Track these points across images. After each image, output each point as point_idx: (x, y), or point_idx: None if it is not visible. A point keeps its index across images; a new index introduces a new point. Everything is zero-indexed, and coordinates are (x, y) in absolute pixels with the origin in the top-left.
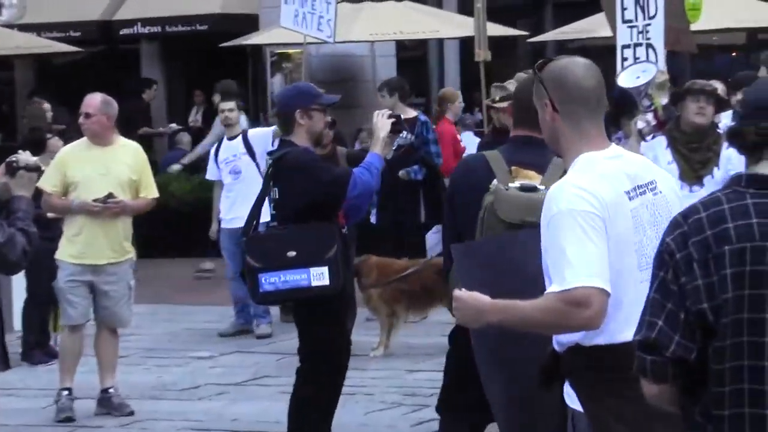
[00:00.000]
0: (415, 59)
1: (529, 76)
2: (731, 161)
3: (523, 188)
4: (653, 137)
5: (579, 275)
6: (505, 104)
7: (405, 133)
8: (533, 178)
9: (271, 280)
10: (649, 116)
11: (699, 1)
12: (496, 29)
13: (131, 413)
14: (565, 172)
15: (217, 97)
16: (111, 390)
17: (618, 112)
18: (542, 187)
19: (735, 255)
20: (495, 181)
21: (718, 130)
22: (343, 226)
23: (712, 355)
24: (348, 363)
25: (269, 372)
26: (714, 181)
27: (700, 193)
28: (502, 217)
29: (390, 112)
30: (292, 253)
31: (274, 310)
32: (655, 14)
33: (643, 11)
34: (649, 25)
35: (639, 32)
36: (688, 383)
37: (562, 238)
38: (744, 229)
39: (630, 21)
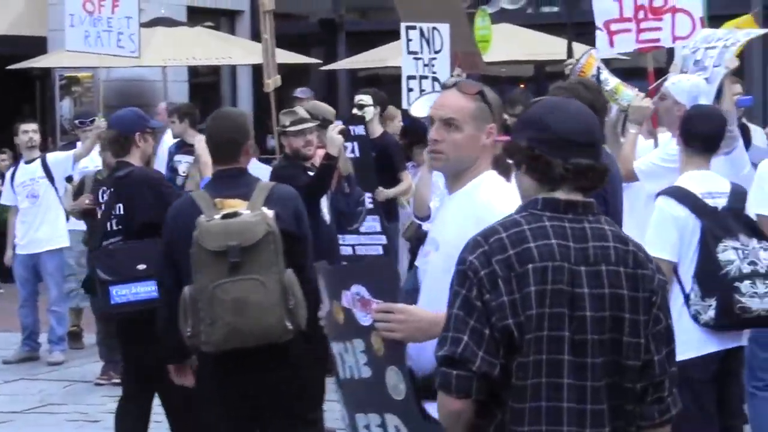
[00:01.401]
0: (207, 85)
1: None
2: None
3: (225, 216)
4: None
5: None
6: (295, 128)
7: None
8: (238, 206)
9: (121, 293)
10: None
11: (488, 33)
12: (288, 57)
13: None
14: (270, 193)
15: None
16: None
17: (410, 142)
18: (246, 212)
19: (538, 273)
20: (201, 217)
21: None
22: None
23: (515, 371)
24: None
25: (55, 400)
26: None
27: None
28: (207, 246)
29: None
30: (141, 266)
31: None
32: (441, 49)
33: (429, 45)
34: (434, 59)
35: (425, 65)
36: (487, 400)
37: None
38: (545, 249)
39: (415, 53)
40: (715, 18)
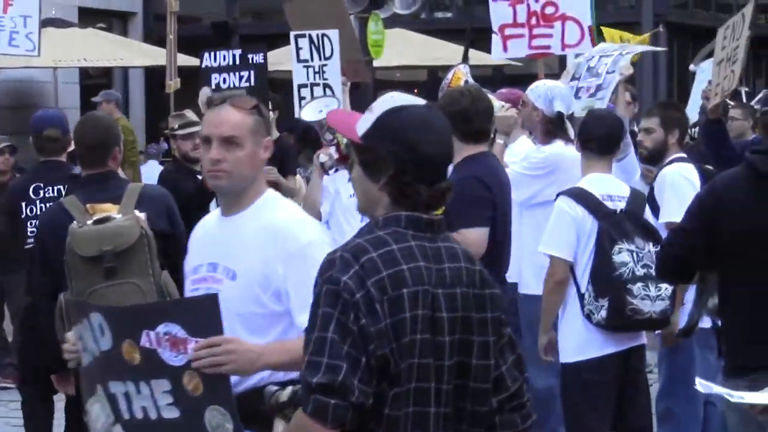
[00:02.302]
0: (99, 87)
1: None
2: None
3: (97, 221)
4: (336, 171)
5: None
6: (183, 131)
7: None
8: (110, 210)
9: None
10: (332, 150)
11: (381, 38)
12: (183, 59)
13: None
14: (141, 195)
15: None
16: None
17: (304, 146)
18: (118, 216)
19: (411, 298)
20: (74, 223)
21: None
22: None
23: (391, 401)
24: None
25: None
26: None
27: None
28: (80, 253)
29: None
30: None
31: None
32: (331, 55)
33: (319, 52)
34: (325, 65)
35: (315, 72)
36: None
37: None
38: (416, 272)
39: (306, 61)
40: (604, 26)
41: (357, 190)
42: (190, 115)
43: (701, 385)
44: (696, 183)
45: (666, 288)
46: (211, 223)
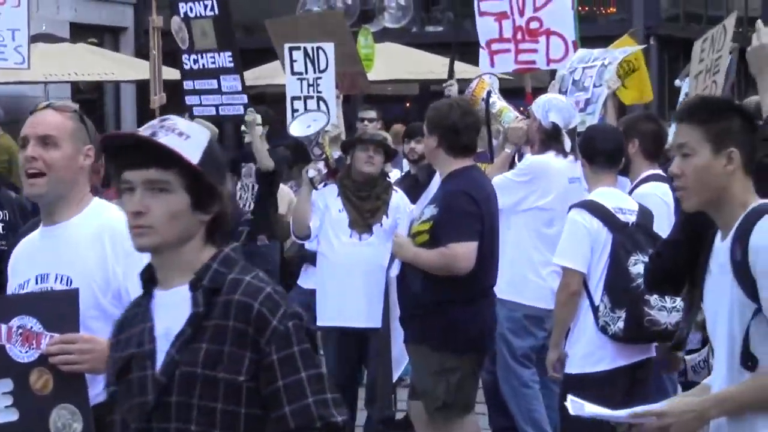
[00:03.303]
0: (90, 102)
1: None
2: (399, 210)
3: None
4: (325, 185)
5: None
6: None
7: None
8: None
9: None
10: (321, 165)
11: (371, 52)
12: (172, 73)
13: None
14: None
15: None
16: None
17: (296, 160)
18: None
19: None
20: None
21: (388, 179)
22: None
23: None
24: None
25: None
26: (383, 230)
27: (369, 241)
28: None
29: None
30: None
31: None
32: (326, 68)
33: (314, 64)
34: (320, 78)
35: (309, 85)
36: None
37: None
38: None
39: (300, 73)
40: (589, 39)
41: None
42: None
43: (572, 403)
44: (671, 203)
45: (680, 300)
46: (34, 238)
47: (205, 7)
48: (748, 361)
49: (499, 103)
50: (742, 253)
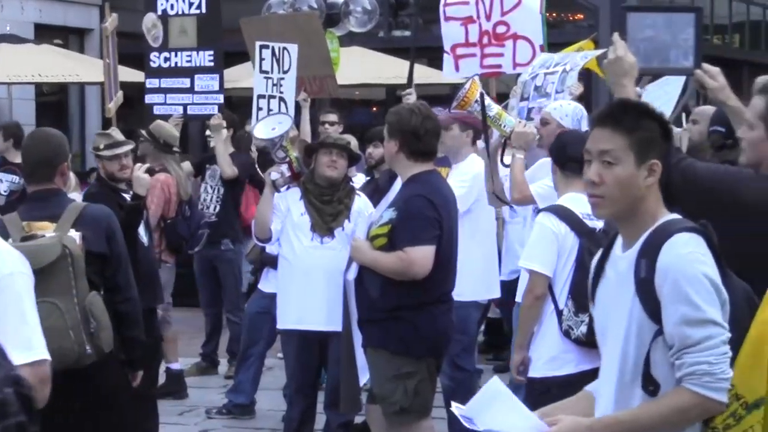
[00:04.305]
0: (55, 103)
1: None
2: (361, 215)
3: (23, 239)
4: (288, 188)
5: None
6: (110, 152)
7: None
8: (46, 228)
9: None
10: (284, 167)
11: (337, 56)
12: (132, 75)
13: None
14: (81, 214)
15: None
16: None
17: (264, 162)
18: (45, 234)
19: None
20: (8, 240)
21: (351, 183)
22: None
23: None
24: None
25: None
26: (345, 234)
27: (331, 245)
28: None
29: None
30: None
31: None
32: (289, 69)
33: (279, 64)
34: (282, 78)
35: (273, 84)
36: None
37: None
38: None
39: (267, 72)
40: (557, 45)
41: None
42: (116, 134)
43: (456, 408)
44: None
45: None
46: None
47: (190, 4)
48: (650, 385)
49: (494, 106)
50: (648, 271)
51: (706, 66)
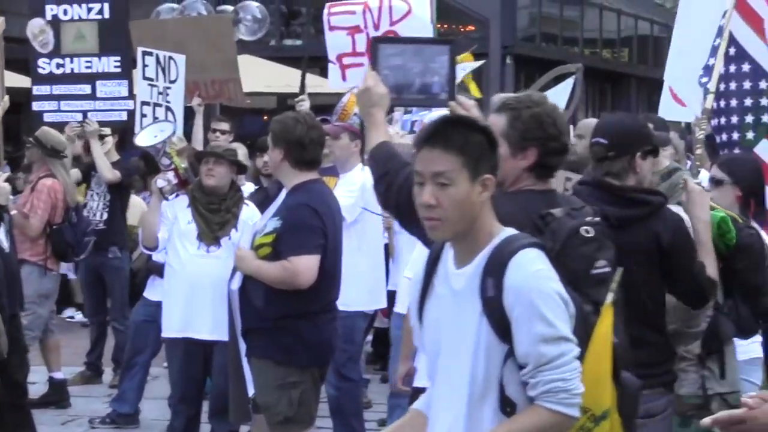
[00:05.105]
0: None
1: None
2: (247, 224)
3: None
4: (177, 196)
5: None
6: None
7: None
8: None
9: None
10: (170, 175)
11: None
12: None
13: None
14: None
15: None
16: None
17: (149, 170)
18: None
19: None
20: None
21: (240, 192)
22: None
23: None
24: None
25: None
26: (232, 243)
27: (217, 254)
28: None
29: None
30: None
31: None
32: (176, 79)
33: (164, 73)
34: (169, 88)
35: (159, 92)
36: None
37: None
38: None
39: (151, 79)
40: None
41: None
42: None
43: None
44: None
45: None
46: None
47: (89, 9)
48: (507, 406)
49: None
50: (496, 290)
51: (460, 98)
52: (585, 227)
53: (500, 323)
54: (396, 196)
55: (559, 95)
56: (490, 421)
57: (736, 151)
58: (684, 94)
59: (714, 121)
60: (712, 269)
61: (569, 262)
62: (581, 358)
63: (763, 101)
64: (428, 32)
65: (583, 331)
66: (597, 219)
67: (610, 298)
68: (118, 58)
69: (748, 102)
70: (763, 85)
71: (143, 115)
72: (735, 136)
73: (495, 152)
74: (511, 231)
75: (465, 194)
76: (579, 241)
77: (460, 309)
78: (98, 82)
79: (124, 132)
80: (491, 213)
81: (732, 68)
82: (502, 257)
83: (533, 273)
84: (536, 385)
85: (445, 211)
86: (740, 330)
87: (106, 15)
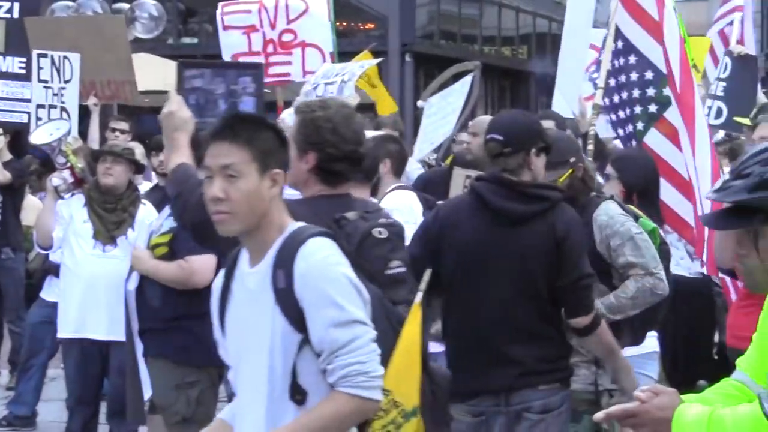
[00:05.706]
0: None
1: None
2: (144, 223)
3: None
4: (72, 195)
5: None
6: None
7: None
8: None
9: None
10: (66, 173)
11: None
12: None
13: None
14: None
15: None
16: None
17: (46, 170)
18: None
19: None
20: None
21: (137, 192)
22: None
23: None
24: None
25: None
26: (128, 242)
27: (113, 253)
28: None
29: None
30: None
31: None
32: (71, 78)
33: (59, 74)
34: (64, 88)
35: (54, 94)
36: None
37: None
38: None
39: (46, 81)
40: (348, 54)
41: None
42: None
43: None
44: (416, 207)
45: None
46: None
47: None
48: (297, 394)
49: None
50: (287, 280)
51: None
52: (378, 228)
53: (294, 313)
54: (192, 214)
55: (457, 93)
56: (293, 416)
57: (634, 143)
58: (564, 89)
59: (613, 116)
60: (606, 333)
61: (364, 263)
62: (390, 353)
63: (649, 91)
64: (327, 30)
65: (388, 326)
66: (391, 220)
67: (418, 297)
68: (24, 60)
69: (636, 93)
70: (648, 75)
71: (38, 119)
72: (629, 128)
73: (285, 149)
74: (300, 224)
75: (254, 187)
76: (372, 242)
77: (256, 308)
78: (1, 82)
79: (17, 133)
80: (282, 208)
81: (621, 62)
82: (291, 248)
83: (321, 259)
84: (333, 371)
85: (234, 204)
86: (634, 341)
87: (15, 15)
